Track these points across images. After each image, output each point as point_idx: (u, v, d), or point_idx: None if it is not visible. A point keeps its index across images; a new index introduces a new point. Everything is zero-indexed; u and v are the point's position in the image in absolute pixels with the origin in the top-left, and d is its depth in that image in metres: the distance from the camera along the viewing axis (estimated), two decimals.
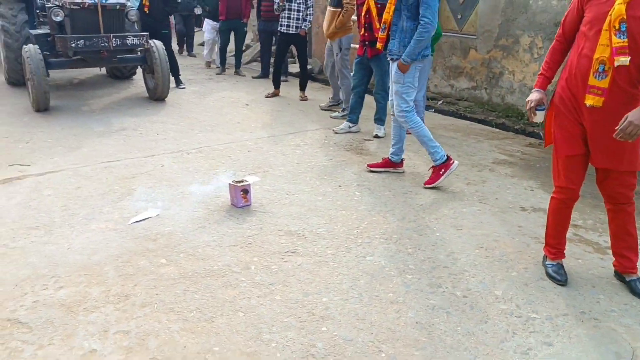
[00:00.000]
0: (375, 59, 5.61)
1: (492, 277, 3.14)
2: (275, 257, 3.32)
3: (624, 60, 2.59)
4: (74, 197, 4.18)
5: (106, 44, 6.69)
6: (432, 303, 2.87)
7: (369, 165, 4.89)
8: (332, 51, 6.95)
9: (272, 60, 9.11)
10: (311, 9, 7.64)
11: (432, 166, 4.53)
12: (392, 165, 4.83)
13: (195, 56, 11.99)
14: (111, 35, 6.69)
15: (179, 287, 2.97)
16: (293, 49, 8.62)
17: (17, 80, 7.78)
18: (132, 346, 2.48)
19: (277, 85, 8.16)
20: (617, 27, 2.59)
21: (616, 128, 2.61)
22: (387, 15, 4.47)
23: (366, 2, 5.44)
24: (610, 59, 2.63)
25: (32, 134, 5.76)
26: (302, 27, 7.57)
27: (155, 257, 3.29)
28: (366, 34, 5.54)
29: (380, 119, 6.03)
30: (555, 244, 3.17)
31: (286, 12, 7.51)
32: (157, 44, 7.25)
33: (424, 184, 4.52)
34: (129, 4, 7.38)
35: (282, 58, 8.16)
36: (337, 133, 6.03)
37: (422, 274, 3.16)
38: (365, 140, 5.89)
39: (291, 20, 7.53)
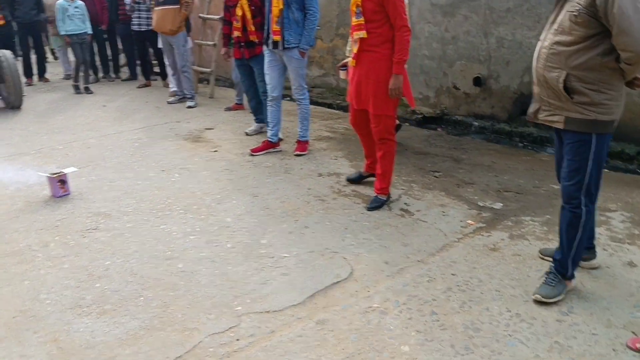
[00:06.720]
0: (255, 58, 5.61)
1: (263, 230, 3.69)
2: (76, 234, 3.70)
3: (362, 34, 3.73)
4: None
5: None
6: (203, 255, 3.36)
7: (252, 150, 5.36)
8: (170, 47, 7.55)
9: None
10: None
11: (299, 140, 5.35)
12: (272, 145, 5.41)
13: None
14: None
15: None
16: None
17: None
18: None
19: (147, 77, 9.26)
20: (354, 10, 3.69)
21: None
22: (276, 10, 4.79)
23: (239, 4, 5.46)
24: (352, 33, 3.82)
25: None
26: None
27: None
28: (241, 36, 5.56)
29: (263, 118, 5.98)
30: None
31: (136, 12, 8.46)
32: (6, 54, 7.34)
33: (296, 150, 5.34)
34: None
35: (145, 54, 9.08)
36: (249, 135, 6.03)
37: (205, 234, 3.65)
38: (207, 129, 6.33)
39: (142, 20, 8.45)
